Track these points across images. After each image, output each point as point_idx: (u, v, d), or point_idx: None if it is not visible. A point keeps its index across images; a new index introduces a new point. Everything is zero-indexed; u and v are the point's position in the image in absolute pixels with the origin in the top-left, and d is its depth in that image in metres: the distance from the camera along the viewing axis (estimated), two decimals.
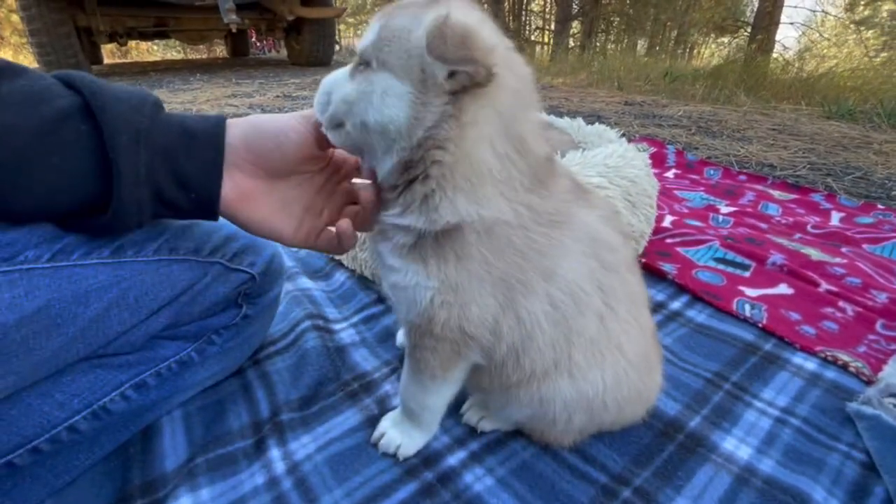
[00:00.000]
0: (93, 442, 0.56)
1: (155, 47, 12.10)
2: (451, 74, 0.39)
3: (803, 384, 0.73)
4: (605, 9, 10.41)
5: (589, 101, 3.39)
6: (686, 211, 1.44)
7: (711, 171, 1.83)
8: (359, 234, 0.57)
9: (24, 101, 0.40)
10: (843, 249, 1.18)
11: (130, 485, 0.56)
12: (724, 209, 1.46)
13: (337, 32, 7.00)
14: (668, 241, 1.19)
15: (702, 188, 1.66)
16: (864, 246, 1.21)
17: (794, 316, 0.91)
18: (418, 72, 0.40)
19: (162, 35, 5.35)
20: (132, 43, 6.90)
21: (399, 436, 0.60)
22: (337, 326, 0.85)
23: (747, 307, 0.92)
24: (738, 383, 0.73)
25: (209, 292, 0.60)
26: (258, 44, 8.30)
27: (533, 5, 12.51)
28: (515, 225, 0.45)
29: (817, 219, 1.41)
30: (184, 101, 3.12)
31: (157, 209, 0.48)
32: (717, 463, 0.59)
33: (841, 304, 0.94)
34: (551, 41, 10.15)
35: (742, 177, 1.78)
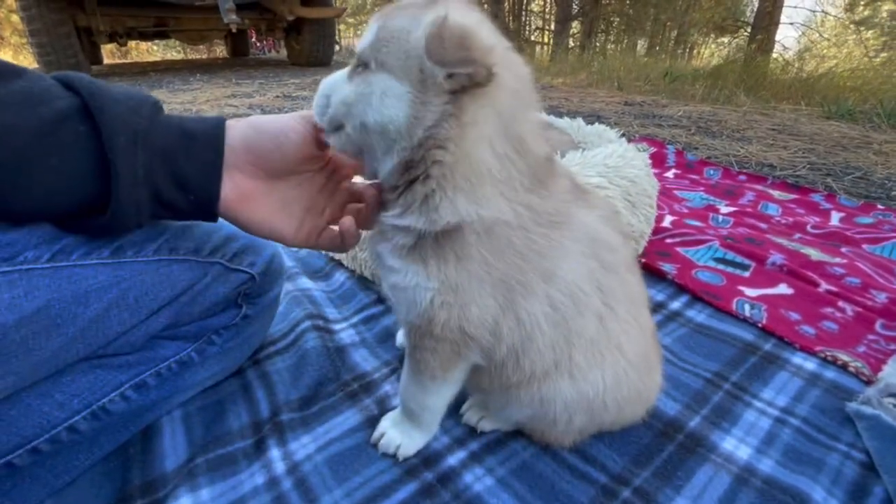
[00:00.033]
0: (92, 442, 0.56)
1: (155, 47, 12.10)
2: (451, 74, 0.39)
3: (803, 384, 0.73)
4: (605, 9, 10.41)
5: (589, 101, 3.39)
6: (686, 211, 1.44)
7: (711, 171, 1.83)
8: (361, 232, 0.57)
9: (23, 102, 0.40)
10: (843, 249, 1.18)
11: (130, 485, 0.56)
12: (724, 209, 1.46)
13: (337, 32, 7.00)
14: (668, 241, 1.19)
15: (701, 188, 1.66)
16: (864, 246, 1.21)
17: (794, 316, 0.91)
18: (417, 72, 0.40)
19: (162, 35, 5.35)
20: (132, 43, 6.90)
21: (399, 436, 0.60)
22: (337, 327, 0.85)
23: (747, 307, 0.92)
24: (737, 383, 0.73)
25: (209, 292, 0.60)
26: (258, 44, 8.30)
27: (533, 5, 12.51)
28: (515, 226, 0.45)
29: (817, 219, 1.41)
30: (183, 101, 3.12)
31: (155, 210, 0.48)
32: (716, 463, 0.60)
33: (840, 304, 0.94)
34: (551, 41, 10.16)
35: (742, 177, 1.78)
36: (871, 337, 0.85)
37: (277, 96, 3.36)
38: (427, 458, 0.60)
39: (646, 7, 10.27)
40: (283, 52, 6.49)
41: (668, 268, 1.05)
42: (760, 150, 2.10)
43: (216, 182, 0.49)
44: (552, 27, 10.73)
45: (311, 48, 5.23)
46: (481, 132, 0.42)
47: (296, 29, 5.10)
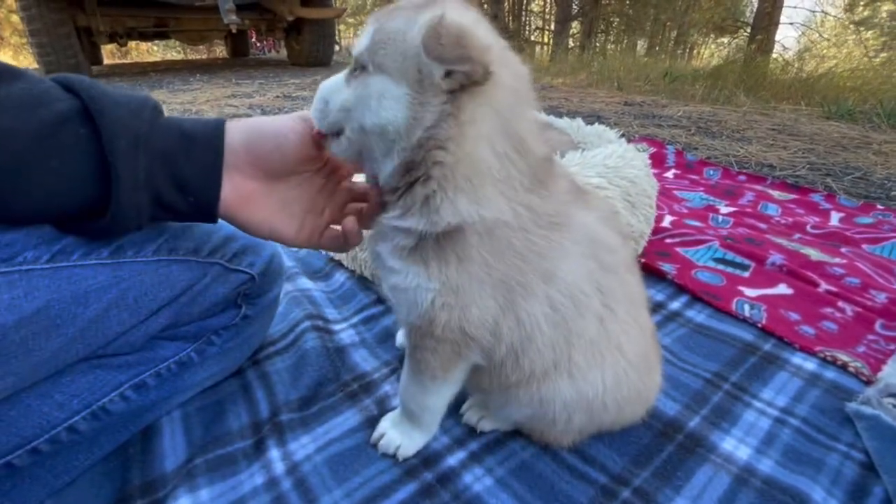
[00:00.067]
0: (92, 442, 0.56)
1: (155, 48, 12.10)
2: (448, 74, 0.39)
3: (802, 384, 0.73)
4: (605, 9, 10.42)
5: (588, 101, 3.39)
6: (685, 211, 1.44)
7: (711, 172, 1.83)
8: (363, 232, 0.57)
9: (23, 104, 0.40)
10: (843, 249, 1.18)
11: (130, 485, 0.56)
12: (724, 209, 1.46)
13: (337, 33, 6.99)
14: (668, 241, 1.20)
15: (701, 188, 1.66)
16: (864, 246, 1.21)
17: (794, 316, 0.91)
18: (415, 73, 0.40)
19: (162, 35, 5.35)
20: (132, 43, 6.89)
21: (399, 436, 0.60)
22: (336, 327, 0.85)
23: (747, 307, 0.92)
24: (737, 383, 0.73)
25: (209, 293, 0.60)
26: (258, 44, 8.31)
27: (533, 5, 12.52)
28: (515, 227, 0.45)
29: (817, 219, 1.41)
30: (183, 101, 3.12)
31: (155, 212, 0.48)
32: (716, 463, 0.60)
33: (840, 304, 0.94)
34: (551, 41, 10.17)
35: (741, 177, 1.78)
36: (870, 337, 0.85)
37: (277, 96, 3.37)
38: (427, 458, 0.60)
39: (646, 7, 10.28)
40: (283, 53, 6.49)
41: (667, 268, 1.05)
42: (760, 150, 2.10)
43: (216, 184, 0.49)
44: (552, 27, 10.74)
45: (311, 48, 5.24)
46: (480, 131, 0.42)
47: (296, 29, 5.11)
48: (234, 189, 0.50)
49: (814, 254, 1.13)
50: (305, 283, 0.99)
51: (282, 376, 0.73)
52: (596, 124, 1.40)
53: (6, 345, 0.42)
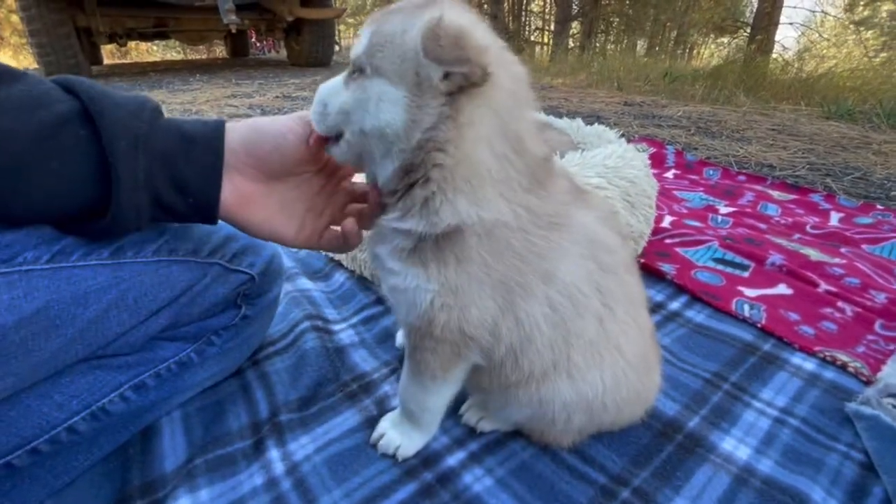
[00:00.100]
0: (92, 443, 0.56)
1: (154, 48, 12.10)
2: (447, 75, 0.39)
3: (802, 384, 0.74)
4: (605, 9, 10.42)
5: (588, 101, 3.39)
6: (685, 211, 1.45)
7: (711, 172, 1.83)
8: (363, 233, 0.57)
9: (23, 105, 0.40)
10: (843, 250, 1.18)
11: (129, 485, 0.56)
12: (724, 209, 1.47)
13: (337, 33, 6.99)
14: (668, 241, 1.20)
15: (701, 188, 1.66)
16: (864, 246, 1.21)
17: (793, 316, 0.91)
18: (412, 75, 0.40)
19: (162, 36, 5.35)
20: (132, 43, 6.89)
21: (398, 437, 0.60)
22: (336, 327, 0.85)
23: (746, 307, 0.92)
24: (736, 383, 0.73)
25: (208, 293, 0.60)
26: (258, 44, 8.31)
27: (533, 6, 12.52)
28: (515, 227, 0.45)
29: (816, 219, 1.41)
30: (183, 101, 3.12)
31: (155, 213, 0.48)
32: (715, 463, 0.60)
33: (840, 304, 0.94)
34: (551, 42, 10.17)
35: (741, 177, 1.78)
36: (870, 337, 0.85)
37: (277, 97, 3.37)
38: (426, 458, 0.60)
39: (645, 7, 10.29)
40: (283, 53, 6.49)
41: (667, 268, 1.05)
42: (760, 150, 2.10)
43: (216, 185, 0.49)
44: (552, 27, 10.74)
45: (311, 49, 5.24)
46: (479, 133, 0.42)
47: (295, 29, 5.11)
48: (234, 190, 0.50)
49: (813, 254, 1.13)
50: (305, 283, 0.99)
51: (281, 376, 0.73)
52: (595, 124, 1.40)
53: (6, 345, 0.42)
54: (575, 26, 10.46)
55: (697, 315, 0.92)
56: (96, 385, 0.54)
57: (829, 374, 0.76)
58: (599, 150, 1.09)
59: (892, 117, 2.63)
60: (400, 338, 0.80)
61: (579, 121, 1.41)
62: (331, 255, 1.11)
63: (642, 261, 1.08)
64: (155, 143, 0.46)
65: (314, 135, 0.50)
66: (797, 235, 1.28)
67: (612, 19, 11.06)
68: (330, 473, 0.57)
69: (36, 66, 4.08)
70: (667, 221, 1.32)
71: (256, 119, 0.52)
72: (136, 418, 0.60)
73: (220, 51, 9.91)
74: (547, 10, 12.42)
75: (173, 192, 0.47)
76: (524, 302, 0.47)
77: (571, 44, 9.67)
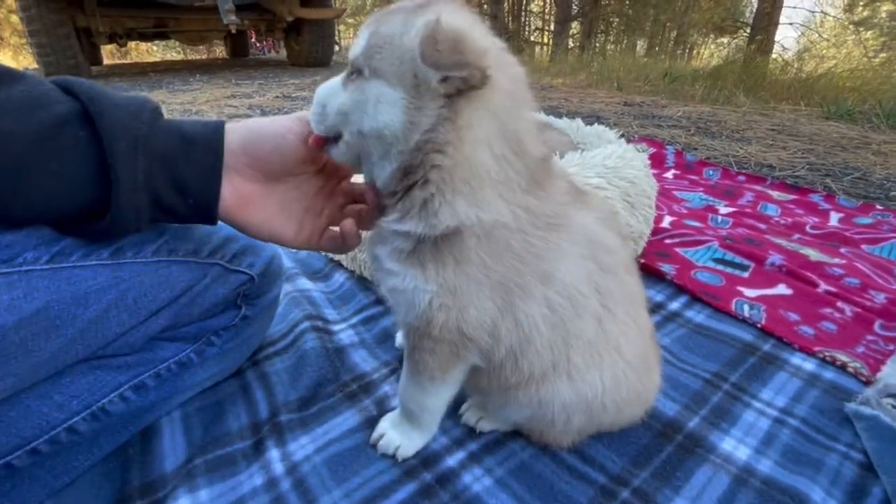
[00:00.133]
0: (92, 443, 0.56)
1: (154, 48, 12.10)
2: (445, 79, 0.39)
3: (802, 384, 0.74)
4: (605, 9, 10.43)
5: (588, 101, 3.39)
6: (685, 211, 1.45)
7: (710, 172, 1.83)
8: (362, 233, 0.57)
9: (23, 106, 0.40)
10: (842, 250, 1.18)
11: (129, 486, 0.56)
12: (723, 210, 1.47)
13: (337, 33, 6.99)
14: (667, 241, 1.20)
15: (701, 189, 1.66)
16: (863, 246, 1.21)
17: (793, 316, 0.91)
18: (411, 77, 0.40)
19: (161, 36, 5.35)
20: (132, 44, 6.89)
21: (398, 437, 0.60)
22: (336, 327, 0.85)
23: (746, 307, 0.92)
24: (736, 384, 0.73)
25: (208, 293, 0.60)
26: (258, 44, 8.30)
27: (532, 6, 12.52)
28: (514, 228, 0.45)
29: (816, 219, 1.41)
30: (183, 101, 3.12)
31: (155, 214, 0.48)
32: (715, 463, 0.60)
33: (839, 304, 0.94)
34: (551, 42, 10.17)
35: (741, 177, 1.78)
36: (869, 337, 0.85)
37: (277, 97, 3.37)
38: (426, 458, 0.60)
39: (645, 7, 10.29)
40: (283, 53, 6.49)
41: (667, 268, 1.05)
42: (760, 150, 2.10)
43: (216, 186, 0.49)
44: (552, 28, 10.74)
45: (311, 49, 5.24)
46: (478, 135, 0.42)
47: (295, 29, 5.11)
48: (234, 191, 0.50)
49: (813, 254, 1.13)
50: (305, 283, 0.99)
51: (281, 377, 0.73)
52: (595, 125, 1.40)
53: (6, 346, 0.42)
54: (575, 26, 10.47)
55: (697, 315, 0.92)
56: (96, 385, 0.54)
57: (829, 374, 0.76)
58: (599, 150, 1.09)
59: (891, 117, 2.63)
60: (399, 338, 0.80)
61: (579, 121, 1.41)
62: (330, 255, 1.11)
63: (642, 261, 1.08)
64: (155, 144, 0.46)
65: (313, 135, 0.50)
66: (797, 236, 1.28)
67: (611, 19, 11.07)
68: (330, 474, 0.58)
69: (36, 66, 4.08)
70: (666, 222, 1.32)
71: (256, 120, 0.52)
72: (136, 418, 0.60)
73: (220, 51, 9.91)
74: (547, 11, 12.43)
75: (173, 193, 0.47)
76: (523, 303, 0.47)
77: (571, 44, 9.68)
